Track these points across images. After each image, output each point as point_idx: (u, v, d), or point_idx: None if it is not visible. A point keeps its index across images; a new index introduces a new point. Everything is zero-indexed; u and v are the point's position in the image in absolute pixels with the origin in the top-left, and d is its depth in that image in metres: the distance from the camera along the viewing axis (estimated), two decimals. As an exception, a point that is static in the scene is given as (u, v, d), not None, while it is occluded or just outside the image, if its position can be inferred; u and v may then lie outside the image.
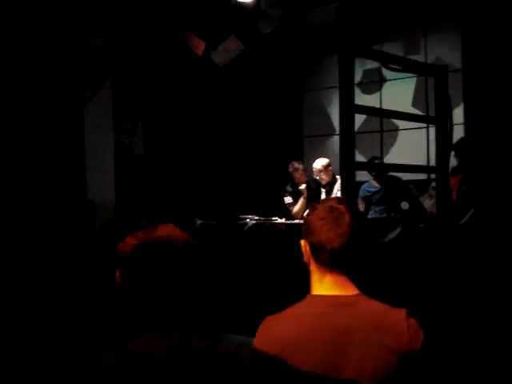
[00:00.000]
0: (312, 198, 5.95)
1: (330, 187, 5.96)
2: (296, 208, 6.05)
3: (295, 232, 5.16)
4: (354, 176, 3.31)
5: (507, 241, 3.07)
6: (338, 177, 5.92)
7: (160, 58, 6.21)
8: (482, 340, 2.98)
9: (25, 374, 3.48)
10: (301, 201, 6.03)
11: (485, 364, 2.90)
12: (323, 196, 6.01)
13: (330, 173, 5.93)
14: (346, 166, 3.25)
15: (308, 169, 6.14)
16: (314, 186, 6.06)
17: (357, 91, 5.33)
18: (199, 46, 5.84)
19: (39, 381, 3.24)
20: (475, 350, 2.96)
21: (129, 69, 5.97)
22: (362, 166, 4.02)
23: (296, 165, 6.09)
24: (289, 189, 6.18)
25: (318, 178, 5.93)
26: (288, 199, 6.15)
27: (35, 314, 3.98)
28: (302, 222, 5.48)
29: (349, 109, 3.21)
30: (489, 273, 3.07)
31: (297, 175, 6.04)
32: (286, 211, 6.04)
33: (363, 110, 3.59)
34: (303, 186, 6.00)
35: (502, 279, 3.02)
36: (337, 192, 5.89)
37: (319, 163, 5.93)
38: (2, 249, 4.04)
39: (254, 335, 1.74)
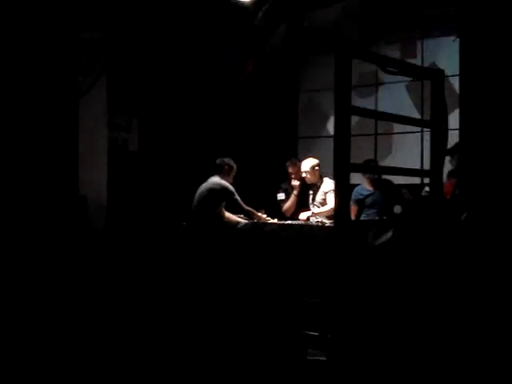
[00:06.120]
0: (302, 197, 5.94)
1: (316, 188, 5.93)
2: (287, 204, 6.04)
3: (286, 232, 5.18)
4: (348, 178, 3.28)
5: (500, 244, 3.08)
6: (325, 178, 5.89)
7: (156, 55, 6.19)
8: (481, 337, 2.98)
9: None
10: (292, 197, 6.02)
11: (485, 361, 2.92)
12: (310, 197, 6.00)
13: (316, 173, 5.90)
14: (341, 168, 3.23)
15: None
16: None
17: (352, 94, 5.34)
18: None
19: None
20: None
21: (125, 65, 5.94)
22: (356, 168, 4.00)
23: (294, 160, 6.11)
24: (283, 186, 6.19)
25: (304, 177, 5.91)
26: (281, 195, 6.16)
27: (24, 308, 3.95)
28: (293, 222, 5.45)
29: (345, 110, 3.19)
30: (483, 278, 3.07)
31: (293, 171, 6.03)
32: (278, 211, 6.03)
33: (359, 111, 3.57)
34: (297, 182, 5.99)
35: (496, 284, 3.03)
36: (322, 193, 5.86)
37: (306, 164, 5.91)
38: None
39: (238, 333, 1.72)
